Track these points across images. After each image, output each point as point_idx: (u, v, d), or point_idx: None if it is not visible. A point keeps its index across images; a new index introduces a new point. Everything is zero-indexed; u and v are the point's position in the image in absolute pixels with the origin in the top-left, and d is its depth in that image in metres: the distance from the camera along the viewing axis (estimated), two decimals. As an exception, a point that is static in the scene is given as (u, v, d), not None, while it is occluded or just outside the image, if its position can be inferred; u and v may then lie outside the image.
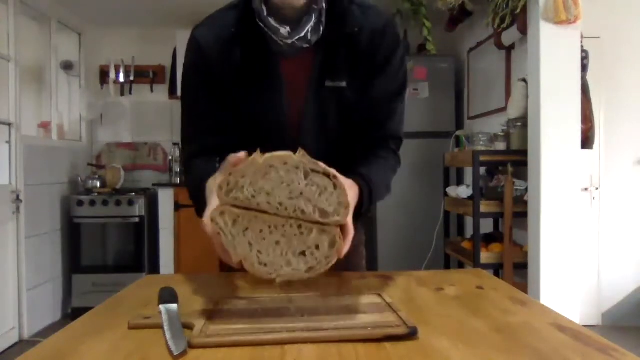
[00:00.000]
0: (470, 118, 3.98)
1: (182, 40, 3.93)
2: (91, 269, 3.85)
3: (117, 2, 3.83)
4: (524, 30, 2.83)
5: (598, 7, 3.14)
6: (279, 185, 0.70)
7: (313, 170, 0.71)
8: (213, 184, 0.86)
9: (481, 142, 3.09)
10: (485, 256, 2.93)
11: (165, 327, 0.68)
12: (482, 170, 3.10)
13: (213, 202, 0.79)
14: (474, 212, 2.92)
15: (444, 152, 3.67)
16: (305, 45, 0.99)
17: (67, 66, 4.17)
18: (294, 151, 0.71)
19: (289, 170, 0.70)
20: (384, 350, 0.62)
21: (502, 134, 3.06)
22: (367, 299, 0.82)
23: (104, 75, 4.40)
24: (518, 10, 2.79)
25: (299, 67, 1.02)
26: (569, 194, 2.64)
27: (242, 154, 0.76)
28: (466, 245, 3.18)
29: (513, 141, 2.97)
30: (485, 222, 3.08)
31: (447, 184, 3.63)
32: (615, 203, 3.47)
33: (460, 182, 3.80)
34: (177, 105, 4.38)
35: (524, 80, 2.89)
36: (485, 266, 2.87)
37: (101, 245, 3.90)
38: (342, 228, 0.72)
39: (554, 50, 2.61)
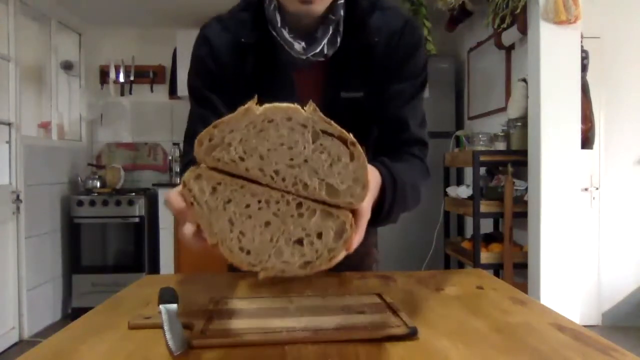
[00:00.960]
0: (470, 118, 3.98)
1: (182, 40, 3.94)
2: (91, 269, 3.85)
3: (117, 2, 3.83)
4: (524, 30, 2.83)
5: (598, 7, 3.14)
6: (278, 146, 0.53)
7: (324, 132, 0.54)
8: None
9: (481, 142, 3.09)
10: (485, 256, 2.93)
11: (165, 327, 0.67)
12: (482, 170, 3.11)
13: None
14: (474, 212, 2.92)
15: (444, 152, 3.67)
16: (321, 59, 0.94)
17: (67, 66, 4.17)
18: None
19: (293, 128, 0.53)
20: (384, 351, 0.62)
21: (502, 134, 3.06)
22: (367, 299, 0.81)
23: (104, 75, 4.41)
24: (518, 10, 2.79)
25: (313, 78, 0.97)
26: (569, 194, 2.64)
27: None
28: (466, 245, 3.18)
29: (513, 141, 2.97)
30: (485, 222, 3.08)
31: (447, 184, 3.63)
32: (615, 203, 3.47)
33: (460, 182, 3.81)
34: (177, 105, 4.42)
35: (524, 80, 2.89)
36: (485, 266, 2.87)
37: (101, 245, 3.90)
38: (355, 213, 0.55)
39: (554, 50, 2.61)
